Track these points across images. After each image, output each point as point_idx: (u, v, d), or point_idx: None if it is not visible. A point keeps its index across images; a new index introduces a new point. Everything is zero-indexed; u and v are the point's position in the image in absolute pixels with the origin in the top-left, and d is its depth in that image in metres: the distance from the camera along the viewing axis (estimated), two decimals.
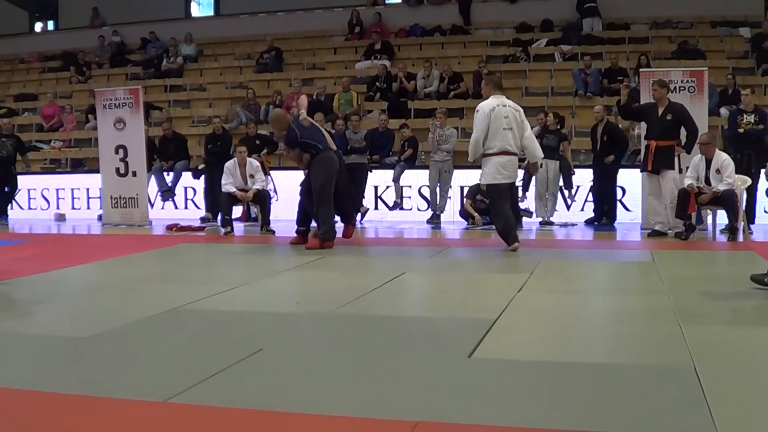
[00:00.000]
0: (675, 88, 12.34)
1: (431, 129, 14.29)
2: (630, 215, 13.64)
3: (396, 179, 14.65)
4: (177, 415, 3.86)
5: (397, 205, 14.84)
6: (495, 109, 10.01)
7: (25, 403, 4.09)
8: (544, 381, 4.35)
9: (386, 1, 23.43)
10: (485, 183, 10.30)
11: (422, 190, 14.80)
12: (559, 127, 13.81)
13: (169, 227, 13.82)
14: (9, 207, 16.21)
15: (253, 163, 12.97)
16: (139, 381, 4.46)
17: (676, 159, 11.68)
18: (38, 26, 27.53)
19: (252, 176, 12.79)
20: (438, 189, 14.15)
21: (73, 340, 5.43)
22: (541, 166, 13.34)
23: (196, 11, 26.04)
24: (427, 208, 14.64)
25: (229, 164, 12.93)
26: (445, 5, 22.11)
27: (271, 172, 14.70)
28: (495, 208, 10.60)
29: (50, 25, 27.35)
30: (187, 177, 15.86)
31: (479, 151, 10.11)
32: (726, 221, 11.45)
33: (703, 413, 3.69)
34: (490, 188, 10.33)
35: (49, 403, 4.08)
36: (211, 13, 25.77)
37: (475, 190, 13.73)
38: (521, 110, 10.38)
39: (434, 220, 14.13)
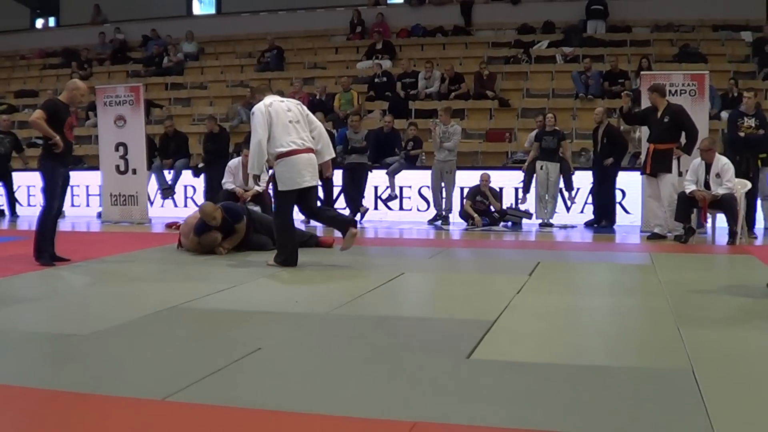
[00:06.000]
0: (676, 91, 12.32)
1: (432, 126, 14.20)
2: (630, 218, 13.61)
3: (391, 172, 14.55)
4: (175, 413, 3.87)
5: (391, 198, 14.74)
6: (272, 104, 8.78)
7: (22, 401, 4.09)
8: (542, 383, 4.35)
9: (388, 1, 23.43)
10: (284, 189, 8.73)
11: (422, 191, 14.78)
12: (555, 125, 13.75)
13: (169, 225, 13.78)
14: (17, 204, 16.27)
15: None
16: (137, 379, 4.46)
17: (674, 162, 11.66)
18: (39, 22, 27.53)
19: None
20: (443, 190, 14.01)
21: (70, 338, 5.43)
22: (541, 169, 13.43)
23: (197, 9, 26.03)
24: (428, 209, 14.60)
25: (231, 164, 12.85)
26: (447, 6, 22.13)
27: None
28: (282, 225, 8.94)
29: (51, 21, 27.36)
30: (187, 175, 15.86)
31: (264, 157, 8.71)
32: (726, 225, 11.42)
33: (701, 416, 3.71)
34: (282, 195, 8.81)
35: (46, 400, 4.09)
36: (212, 11, 25.79)
37: (474, 191, 13.72)
38: (303, 105, 9.30)
39: (442, 222, 13.93)
